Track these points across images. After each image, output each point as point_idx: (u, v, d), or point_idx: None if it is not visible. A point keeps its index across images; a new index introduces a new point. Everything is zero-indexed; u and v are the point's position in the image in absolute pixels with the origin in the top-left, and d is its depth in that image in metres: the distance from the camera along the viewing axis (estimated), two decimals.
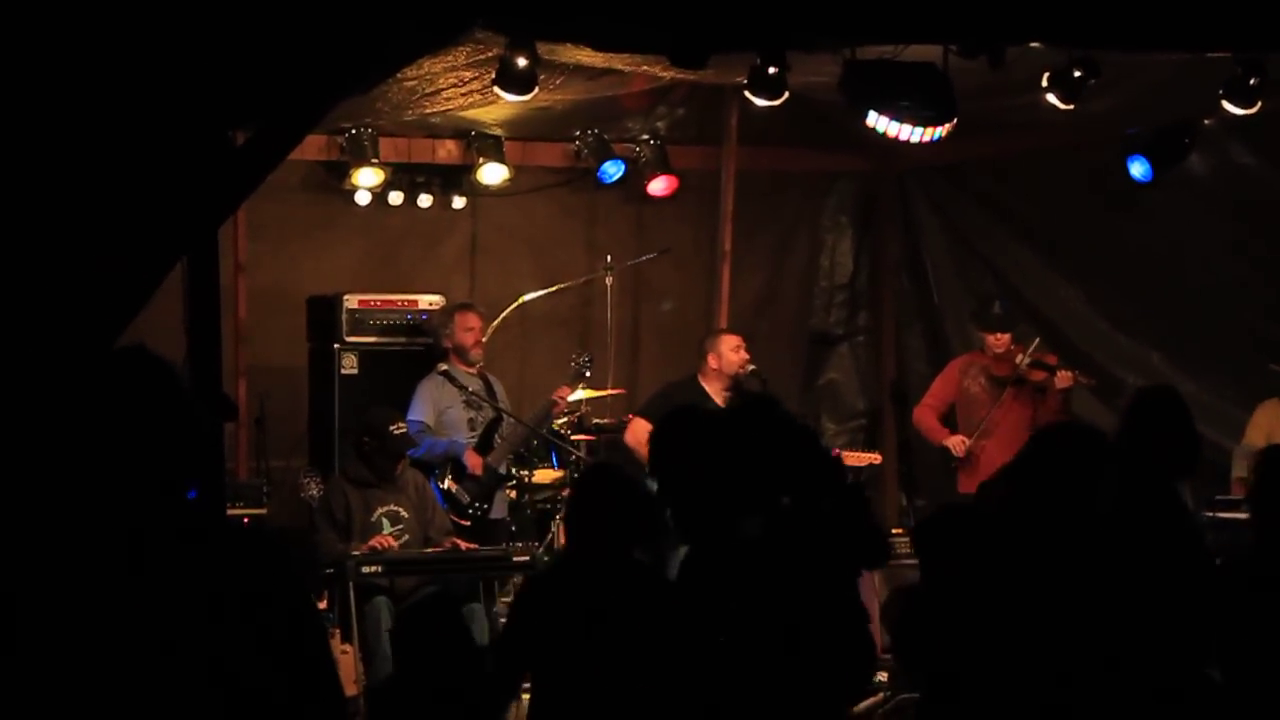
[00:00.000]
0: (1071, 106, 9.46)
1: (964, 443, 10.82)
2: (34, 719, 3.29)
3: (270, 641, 3.42)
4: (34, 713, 3.29)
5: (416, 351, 11.04)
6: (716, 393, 10.69)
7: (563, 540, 10.59)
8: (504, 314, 11.46)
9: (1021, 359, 10.84)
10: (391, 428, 9.70)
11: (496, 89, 9.55)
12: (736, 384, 10.69)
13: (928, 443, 12.40)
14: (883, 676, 9.57)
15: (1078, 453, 5.41)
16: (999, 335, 11.04)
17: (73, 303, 4.74)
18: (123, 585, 3.35)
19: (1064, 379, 10.74)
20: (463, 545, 9.72)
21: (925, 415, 11.22)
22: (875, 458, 11.13)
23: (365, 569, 9.32)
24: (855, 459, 10.99)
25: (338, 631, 9.24)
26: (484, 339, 10.74)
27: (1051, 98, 9.43)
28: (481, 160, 11.77)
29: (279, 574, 3.51)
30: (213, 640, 3.36)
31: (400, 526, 9.69)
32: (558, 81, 10.04)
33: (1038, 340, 11.01)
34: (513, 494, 10.56)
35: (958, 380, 11.08)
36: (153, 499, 3.43)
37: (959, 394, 11.06)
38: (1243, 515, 9.21)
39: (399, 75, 9.07)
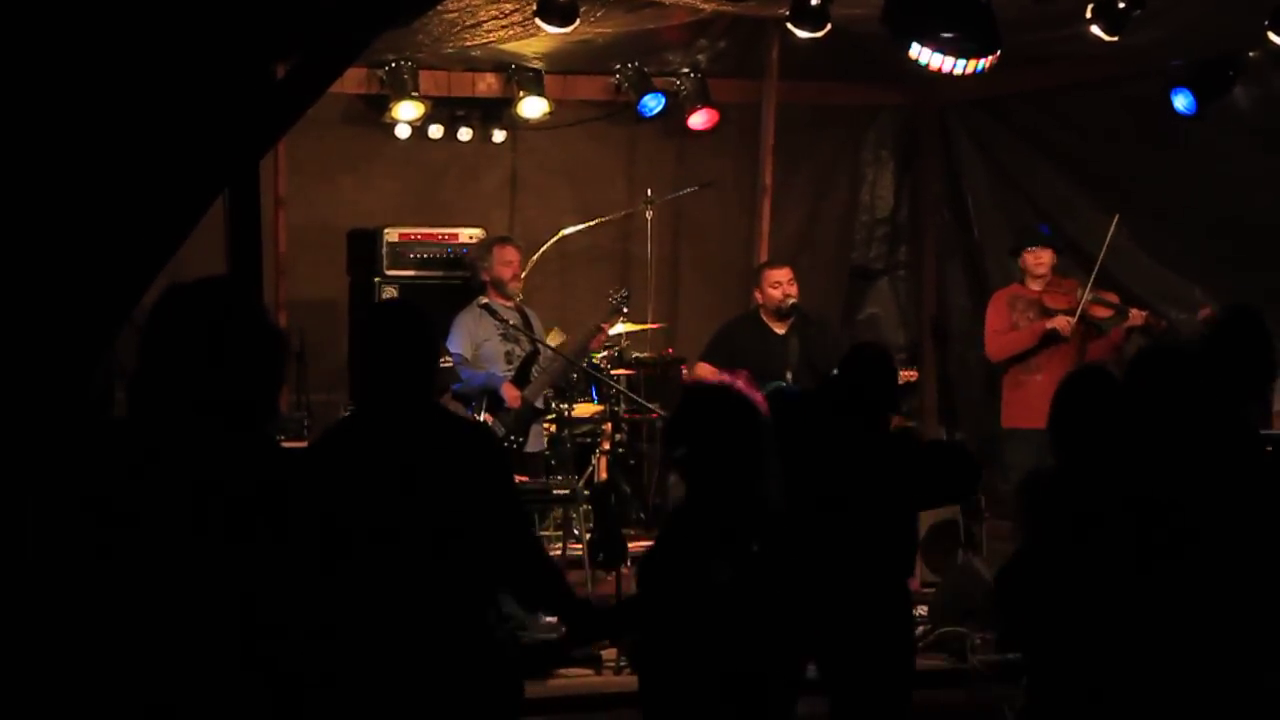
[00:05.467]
0: (1115, 38, 9.40)
1: (1069, 322, 10.53)
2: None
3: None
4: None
5: (456, 285, 11.05)
6: (774, 324, 10.70)
7: (603, 474, 10.63)
8: (544, 248, 11.46)
9: (1080, 294, 10.63)
10: (438, 360, 9.73)
11: (537, 21, 9.55)
12: (783, 315, 10.67)
13: (968, 377, 12.34)
14: (922, 610, 9.60)
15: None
16: (1039, 251, 10.75)
17: (115, 236, 4.75)
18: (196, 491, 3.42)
19: (1136, 317, 10.53)
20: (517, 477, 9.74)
21: (999, 340, 10.89)
22: (911, 374, 10.86)
23: None
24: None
25: None
26: (522, 273, 10.74)
27: (1095, 29, 9.37)
28: (521, 94, 11.75)
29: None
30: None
31: None
32: (598, 14, 10.02)
33: (1094, 276, 10.80)
34: (552, 428, 10.57)
35: (1007, 312, 10.84)
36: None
37: (1010, 326, 10.81)
38: None
39: (440, 7, 9.06)
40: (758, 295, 10.83)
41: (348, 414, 5.81)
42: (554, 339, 10.42)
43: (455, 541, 4.91)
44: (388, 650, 4.82)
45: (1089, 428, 5.43)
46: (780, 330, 10.67)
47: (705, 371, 10.09)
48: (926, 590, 10.20)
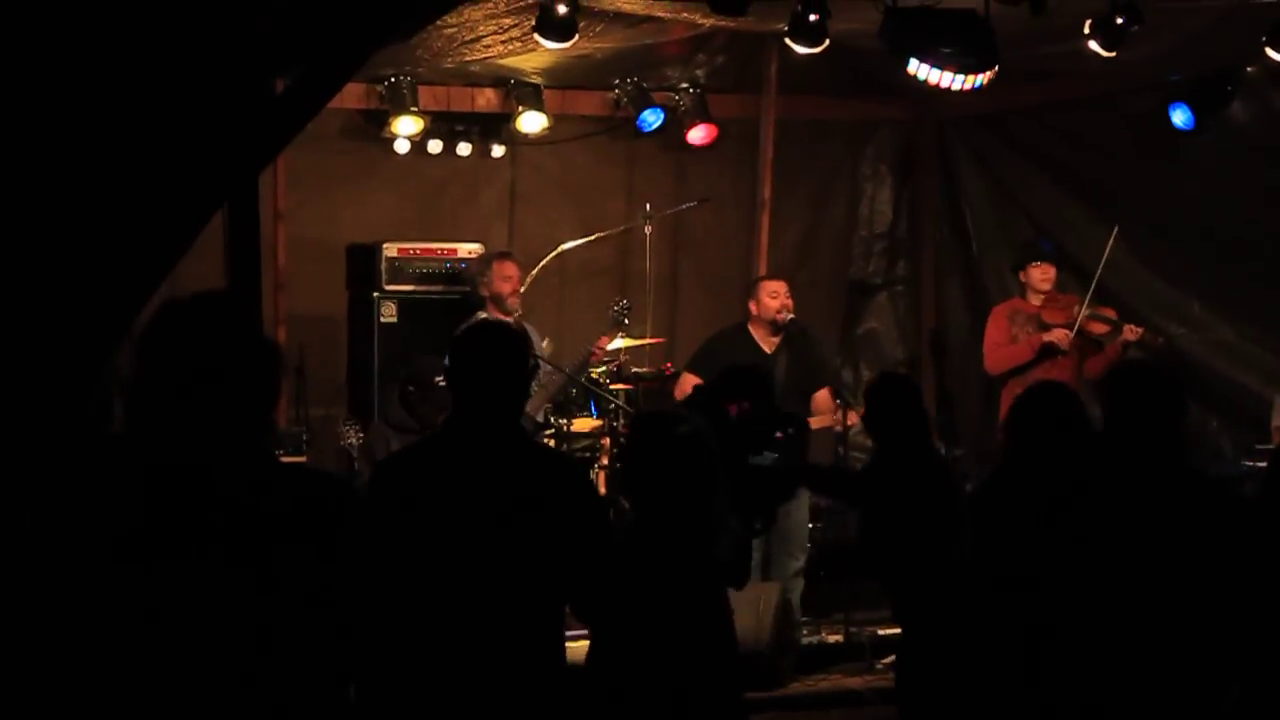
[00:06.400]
0: (1113, 54, 9.41)
1: (1067, 335, 10.61)
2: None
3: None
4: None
5: (455, 300, 11.07)
6: (763, 339, 10.64)
7: (601, 489, 10.62)
8: (542, 263, 11.46)
9: (1078, 309, 10.67)
10: (437, 379, 9.72)
11: (536, 36, 9.56)
12: (777, 329, 10.64)
13: (967, 392, 12.33)
14: None
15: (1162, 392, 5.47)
16: (1045, 266, 10.87)
17: (115, 249, 4.76)
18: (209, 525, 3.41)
19: (1132, 332, 10.58)
20: None
21: (998, 353, 10.95)
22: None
23: None
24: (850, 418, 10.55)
25: None
26: (522, 288, 10.73)
27: (1093, 45, 9.38)
28: (520, 109, 11.76)
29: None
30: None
31: None
32: (597, 29, 10.03)
33: (1091, 292, 10.81)
34: (551, 442, 10.57)
35: (1006, 326, 10.89)
36: (240, 438, 3.49)
37: (1009, 340, 10.86)
38: None
39: (439, 22, 9.07)
40: (753, 306, 10.74)
41: (432, 432, 5.72)
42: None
43: (533, 571, 4.88)
44: (451, 676, 4.79)
45: (1043, 437, 5.62)
46: (769, 348, 10.59)
47: (690, 384, 10.06)
48: None
